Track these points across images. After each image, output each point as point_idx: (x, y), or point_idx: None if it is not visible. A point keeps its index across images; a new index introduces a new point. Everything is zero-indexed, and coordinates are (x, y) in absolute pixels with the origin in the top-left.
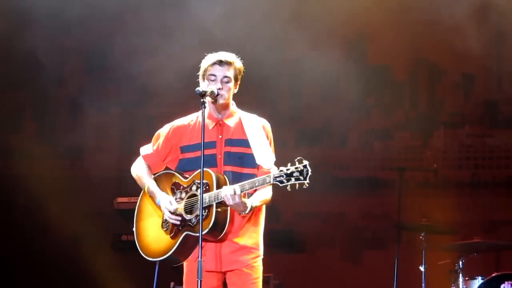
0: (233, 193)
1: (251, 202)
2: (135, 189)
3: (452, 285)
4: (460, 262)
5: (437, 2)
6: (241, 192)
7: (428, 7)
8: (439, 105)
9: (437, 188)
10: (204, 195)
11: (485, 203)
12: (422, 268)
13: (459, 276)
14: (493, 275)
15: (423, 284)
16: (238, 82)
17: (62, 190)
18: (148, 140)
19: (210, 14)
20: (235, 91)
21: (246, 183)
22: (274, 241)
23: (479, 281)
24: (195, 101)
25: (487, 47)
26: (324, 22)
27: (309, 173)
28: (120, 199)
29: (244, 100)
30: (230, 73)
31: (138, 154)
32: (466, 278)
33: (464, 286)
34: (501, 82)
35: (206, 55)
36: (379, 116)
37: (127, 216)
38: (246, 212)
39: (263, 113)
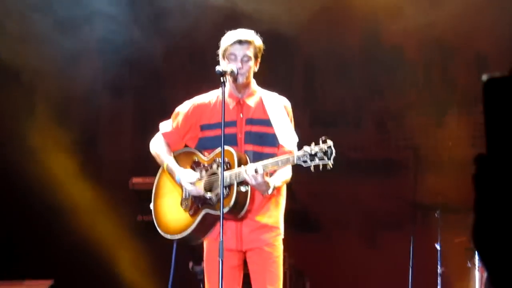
0: (255, 172)
1: (273, 182)
2: (150, 170)
3: (468, 262)
4: None
5: None
6: (264, 171)
7: None
8: (452, 84)
9: (452, 167)
10: (225, 173)
11: None
12: (438, 246)
13: (475, 253)
14: None
15: (439, 262)
16: (259, 60)
17: (78, 174)
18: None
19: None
20: (256, 69)
21: (269, 162)
22: (289, 221)
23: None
24: (208, 83)
25: (500, 25)
26: (340, 3)
27: (333, 154)
28: (135, 179)
29: (257, 80)
30: (250, 51)
31: (151, 137)
32: None
33: (481, 264)
34: None
35: (225, 33)
36: (392, 96)
37: (143, 197)
38: (269, 192)
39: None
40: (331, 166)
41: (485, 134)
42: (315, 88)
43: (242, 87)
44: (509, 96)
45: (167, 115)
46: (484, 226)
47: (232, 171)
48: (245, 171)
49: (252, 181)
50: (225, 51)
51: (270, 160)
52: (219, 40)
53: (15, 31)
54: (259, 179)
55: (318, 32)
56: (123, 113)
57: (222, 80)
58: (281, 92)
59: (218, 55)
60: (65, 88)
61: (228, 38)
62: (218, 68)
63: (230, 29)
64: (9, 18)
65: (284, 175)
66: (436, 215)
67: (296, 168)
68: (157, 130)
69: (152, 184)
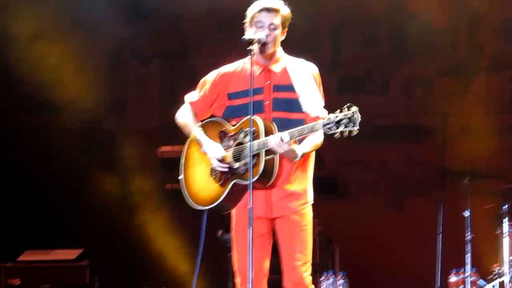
0: (280, 140)
1: (302, 148)
2: (178, 138)
3: (498, 228)
4: (505, 206)
5: None
6: (290, 139)
7: None
8: (479, 50)
9: (480, 133)
10: (253, 142)
11: None
12: (467, 213)
13: (504, 220)
14: None
15: (468, 229)
16: (286, 29)
17: (106, 143)
18: (188, 91)
19: None
20: (283, 38)
21: (295, 130)
22: (317, 187)
23: None
24: (235, 51)
25: None
26: None
27: (359, 119)
28: (163, 148)
29: (284, 48)
30: (277, 20)
31: (179, 106)
32: (511, 222)
33: (510, 230)
34: None
35: (252, 1)
36: (419, 63)
37: (171, 165)
38: (298, 158)
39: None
40: (357, 132)
41: None
42: (342, 54)
43: (269, 56)
44: None
45: (194, 83)
46: None
47: (259, 140)
48: (271, 140)
49: (279, 149)
50: (252, 18)
51: (297, 129)
52: (247, 7)
53: None
54: (286, 147)
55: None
56: (151, 82)
57: (249, 48)
58: (308, 59)
59: (245, 23)
60: (92, 56)
61: (256, 6)
62: (245, 36)
63: None
64: None
65: (314, 140)
66: (465, 182)
67: (325, 134)
68: (184, 99)
69: (180, 152)
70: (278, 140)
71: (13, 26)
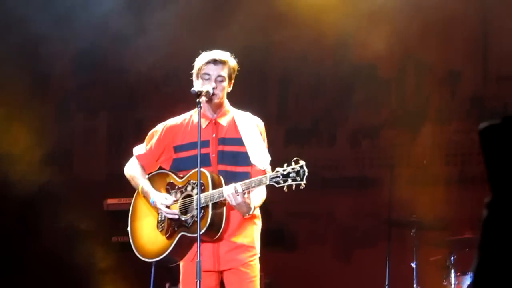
0: (234, 191)
1: (253, 203)
2: (124, 191)
3: (444, 280)
4: (452, 258)
5: None
6: (243, 190)
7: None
8: (425, 101)
9: (426, 185)
10: (201, 195)
11: (474, 198)
12: (413, 265)
13: (451, 271)
14: None
15: (414, 280)
16: (232, 81)
17: (53, 195)
18: (136, 143)
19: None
20: (229, 90)
21: (243, 183)
22: (265, 240)
23: (471, 276)
24: (183, 103)
25: (473, 43)
26: (310, 22)
27: (306, 174)
28: (110, 201)
29: (232, 99)
30: (225, 72)
31: (126, 158)
32: (458, 274)
33: (456, 282)
34: (486, 78)
35: (200, 54)
36: (366, 114)
37: (117, 218)
38: (250, 213)
39: (251, 112)
40: (304, 186)
41: (489, 181)
42: (289, 106)
43: (215, 107)
44: (506, 141)
45: (141, 136)
46: (487, 269)
47: (207, 192)
48: (225, 191)
49: (232, 201)
50: (199, 70)
51: (245, 182)
52: (194, 60)
53: None
54: (239, 198)
55: (292, 51)
56: (98, 134)
57: (198, 100)
58: (255, 111)
59: (192, 74)
60: (38, 107)
61: (203, 58)
62: (193, 88)
63: (205, 50)
64: None
65: (261, 195)
66: (411, 233)
67: (271, 187)
68: (131, 151)
69: (127, 205)
70: (232, 191)
71: None
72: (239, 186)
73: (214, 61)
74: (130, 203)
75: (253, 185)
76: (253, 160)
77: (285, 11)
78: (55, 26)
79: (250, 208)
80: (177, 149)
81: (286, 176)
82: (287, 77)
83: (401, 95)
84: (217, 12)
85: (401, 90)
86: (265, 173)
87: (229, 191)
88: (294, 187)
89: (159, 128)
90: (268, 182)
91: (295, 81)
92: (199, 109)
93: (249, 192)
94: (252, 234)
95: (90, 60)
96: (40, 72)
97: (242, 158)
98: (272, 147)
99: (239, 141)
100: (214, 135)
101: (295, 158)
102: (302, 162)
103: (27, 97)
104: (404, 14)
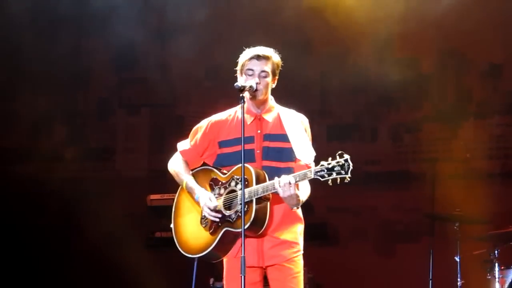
0: (288, 182)
1: (301, 196)
2: (166, 187)
3: (488, 274)
4: (495, 252)
5: None
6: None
7: None
8: (467, 96)
9: (469, 179)
10: (245, 190)
11: None
12: (457, 259)
13: (494, 265)
14: None
15: (458, 275)
16: (276, 77)
17: (95, 192)
18: (177, 139)
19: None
20: (273, 85)
21: (291, 176)
22: (307, 234)
23: None
24: (225, 99)
25: None
26: (352, 18)
27: (351, 167)
28: (152, 196)
29: (274, 96)
30: (268, 67)
31: (168, 154)
32: (502, 268)
33: (500, 276)
34: None
35: (239, 50)
36: (408, 109)
37: (160, 213)
38: (299, 205)
39: (293, 108)
40: (349, 179)
41: None
42: (331, 102)
43: (259, 103)
44: None
45: (182, 132)
46: None
47: (251, 188)
48: (278, 182)
49: (284, 193)
50: (243, 66)
51: (290, 175)
52: (234, 56)
53: None
54: (292, 190)
55: (334, 47)
56: (139, 131)
57: (241, 95)
58: (297, 108)
59: (236, 71)
60: (79, 104)
61: (246, 54)
62: (237, 83)
63: (244, 46)
64: None
65: (307, 190)
66: (455, 227)
67: (314, 182)
68: (172, 147)
69: (170, 200)
70: (286, 181)
71: None
72: (291, 177)
73: (258, 57)
74: (173, 199)
75: (297, 179)
76: (297, 154)
77: (325, 6)
78: (96, 23)
79: (299, 201)
80: (222, 144)
81: (330, 170)
82: (329, 72)
83: (443, 90)
84: (256, 9)
85: (442, 85)
86: (310, 168)
87: (283, 182)
88: (338, 180)
89: (204, 123)
90: (313, 176)
91: (337, 76)
92: (242, 104)
93: (297, 185)
94: (295, 231)
95: (131, 57)
96: (81, 68)
97: (287, 154)
98: (314, 143)
99: (284, 137)
100: (259, 131)
101: (339, 152)
102: (346, 156)
103: (68, 93)
104: (444, 8)
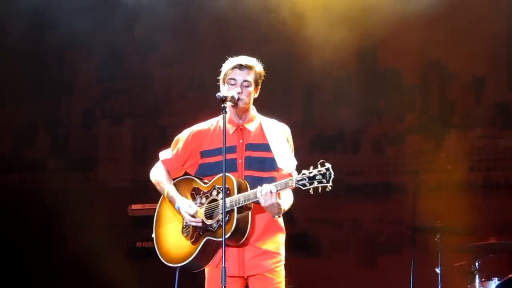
0: (270, 191)
1: (283, 205)
2: (148, 198)
3: (469, 286)
4: (476, 264)
5: (447, 3)
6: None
7: (438, 8)
8: (450, 108)
9: (450, 190)
10: (226, 199)
11: (498, 204)
12: (438, 270)
13: (475, 277)
14: (510, 276)
15: (439, 286)
16: (259, 87)
17: (77, 202)
18: (160, 149)
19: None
20: (255, 95)
21: (273, 184)
22: (288, 245)
23: (495, 282)
24: (207, 110)
25: (496, 49)
26: (333, 28)
27: (332, 176)
28: (134, 206)
29: (256, 106)
30: (250, 77)
31: (150, 164)
32: (483, 279)
33: (481, 287)
34: (511, 84)
35: (222, 61)
36: (390, 120)
37: (142, 223)
38: (280, 214)
39: (276, 119)
40: (330, 188)
41: None
42: (314, 113)
43: (242, 112)
44: None
45: (165, 142)
46: None
47: (232, 197)
48: (260, 191)
49: (265, 202)
50: (225, 75)
51: (273, 184)
52: (216, 67)
53: None
54: (273, 199)
55: (316, 58)
56: (123, 141)
57: (223, 106)
58: (279, 119)
59: (219, 80)
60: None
61: (229, 63)
62: (219, 94)
63: (227, 55)
64: None
65: (289, 199)
66: (436, 239)
67: (296, 193)
68: (155, 157)
69: (151, 210)
70: (268, 190)
71: None
72: (273, 186)
73: (240, 66)
74: (154, 208)
75: (279, 187)
76: (279, 164)
77: (308, 16)
78: (80, 33)
79: (281, 210)
80: (204, 154)
81: (312, 179)
82: (311, 84)
83: (426, 101)
84: (242, 20)
85: (425, 96)
86: (291, 177)
87: (264, 191)
88: (320, 189)
89: (186, 133)
90: (294, 185)
91: (319, 88)
92: (224, 114)
93: (279, 194)
94: (277, 241)
95: (115, 68)
96: (65, 79)
97: (269, 164)
98: (297, 155)
99: (266, 147)
100: (241, 141)
101: (321, 161)
102: (328, 165)
103: (51, 103)
104: (428, 20)
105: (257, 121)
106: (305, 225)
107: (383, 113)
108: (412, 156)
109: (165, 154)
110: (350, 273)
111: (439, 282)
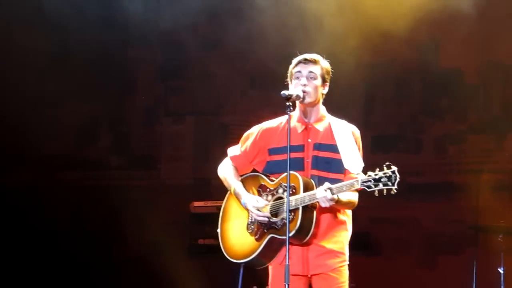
0: (327, 195)
1: (337, 196)
2: (210, 195)
3: None
4: None
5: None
6: (333, 195)
7: (500, 8)
8: None
9: None
10: (291, 198)
11: None
12: (501, 270)
13: None
14: None
15: (502, 286)
16: (327, 83)
17: (140, 199)
18: (222, 147)
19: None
20: (323, 91)
21: (335, 186)
22: (350, 245)
23: None
24: (269, 108)
25: None
26: (396, 28)
27: (397, 179)
28: (196, 203)
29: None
30: (316, 69)
31: (212, 162)
32: None
33: None
34: None
35: (286, 58)
36: (452, 120)
37: (203, 220)
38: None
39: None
40: (395, 191)
41: None
42: (375, 113)
43: (310, 110)
44: None
45: (227, 141)
46: None
47: (298, 195)
48: (318, 194)
49: (323, 203)
50: (291, 73)
51: (336, 185)
52: (279, 65)
53: None
54: (331, 203)
55: (378, 58)
56: (184, 139)
57: (287, 104)
58: (341, 118)
59: (280, 78)
60: (126, 114)
61: (294, 61)
62: (284, 91)
63: (290, 51)
64: None
65: (349, 195)
66: (499, 239)
67: (361, 192)
68: (217, 155)
69: (213, 207)
70: (326, 194)
71: None
72: (330, 191)
73: (305, 60)
74: (216, 206)
75: (344, 188)
76: (346, 165)
77: (370, 16)
78: (143, 32)
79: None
80: (272, 152)
81: (377, 181)
82: (373, 83)
83: (488, 100)
84: (301, 20)
85: (488, 95)
86: (357, 178)
87: (323, 194)
88: (385, 192)
89: (255, 130)
90: (359, 186)
91: (381, 87)
92: (288, 112)
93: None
94: (342, 241)
95: (177, 66)
96: (127, 77)
97: (336, 165)
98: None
99: (333, 148)
100: (309, 140)
101: (386, 163)
102: (394, 168)
103: (114, 101)
104: (490, 20)
105: (326, 121)
106: (366, 224)
107: (445, 112)
108: (474, 156)
109: (233, 151)
110: (410, 273)
111: (501, 282)
